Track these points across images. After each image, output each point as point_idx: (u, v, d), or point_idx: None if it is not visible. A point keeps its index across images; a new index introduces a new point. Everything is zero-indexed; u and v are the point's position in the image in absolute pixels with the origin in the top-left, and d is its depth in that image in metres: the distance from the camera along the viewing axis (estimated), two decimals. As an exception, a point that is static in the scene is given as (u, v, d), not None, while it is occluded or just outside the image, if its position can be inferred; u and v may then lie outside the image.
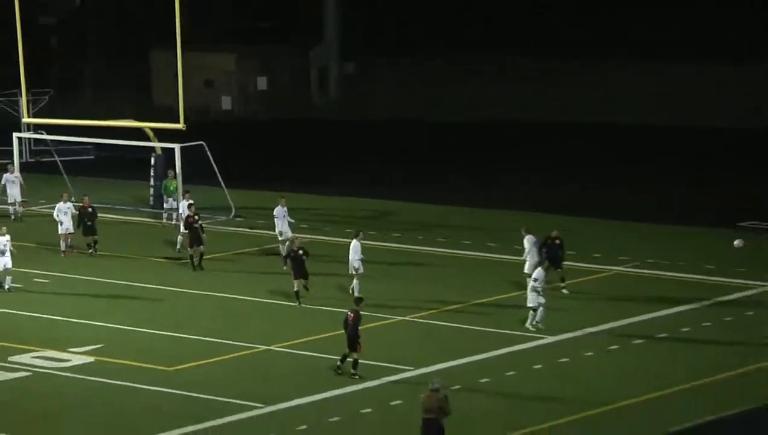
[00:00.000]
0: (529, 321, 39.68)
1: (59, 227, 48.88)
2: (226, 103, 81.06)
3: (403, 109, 79.70)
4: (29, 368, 37.20)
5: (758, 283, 44.37)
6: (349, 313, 36.24)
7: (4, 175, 54.84)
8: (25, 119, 58.69)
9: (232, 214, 54.02)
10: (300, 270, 42.57)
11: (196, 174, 53.91)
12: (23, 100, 58.39)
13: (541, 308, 39.56)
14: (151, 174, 55.49)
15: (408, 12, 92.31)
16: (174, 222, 52.26)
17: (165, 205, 53.65)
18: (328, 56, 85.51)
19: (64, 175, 56.85)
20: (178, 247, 48.86)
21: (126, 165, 56.59)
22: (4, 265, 44.22)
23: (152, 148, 55.52)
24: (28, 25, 58.03)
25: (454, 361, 37.21)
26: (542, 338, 39.00)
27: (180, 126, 53.19)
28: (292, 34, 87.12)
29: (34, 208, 55.66)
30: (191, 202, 48.62)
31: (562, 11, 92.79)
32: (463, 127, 75.85)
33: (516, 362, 37.25)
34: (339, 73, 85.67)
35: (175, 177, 53.35)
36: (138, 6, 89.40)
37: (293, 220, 47.98)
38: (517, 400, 34.34)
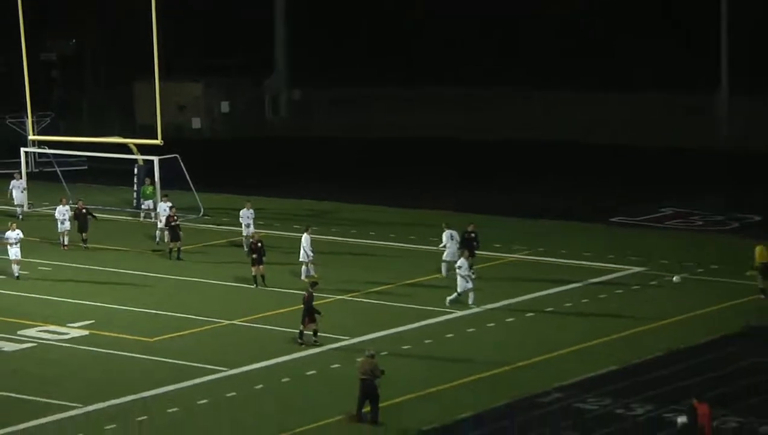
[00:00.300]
0: (449, 298, 39.54)
1: (59, 226, 48.55)
2: (196, 123, 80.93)
3: (337, 128, 79.90)
4: (35, 340, 37.10)
5: (624, 267, 44.68)
6: (305, 293, 36.19)
7: (12, 182, 54.52)
8: (31, 137, 58.37)
9: (201, 213, 53.85)
10: (259, 259, 42.57)
11: (171, 181, 53.72)
12: (29, 121, 58.10)
13: (471, 292, 39.52)
14: (135, 181, 55.32)
15: (343, 49, 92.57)
16: (152, 220, 52.06)
17: (143, 207, 53.51)
18: (278, 85, 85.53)
19: (63, 182, 56.56)
20: (157, 240, 48.71)
21: (114, 174, 56.27)
22: (15, 255, 43.93)
23: (135, 160, 55.32)
24: (33, 60, 57.78)
25: (382, 331, 37.35)
26: (453, 313, 39.10)
27: (158, 142, 52.93)
28: (249, 68, 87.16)
29: (38, 209, 55.30)
30: (171, 204, 48.50)
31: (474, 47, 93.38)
32: (387, 142, 75.83)
33: (432, 333, 37.40)
34: (287, 99, 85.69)
35: (152, 183, 53.05)
36: (123, 44, 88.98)
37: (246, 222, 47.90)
38: (434, 363, 34.52)
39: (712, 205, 54.27)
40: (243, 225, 47.58)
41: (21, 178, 55.10)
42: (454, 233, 43.39)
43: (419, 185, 61.33)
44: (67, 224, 48.60)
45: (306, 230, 43.86)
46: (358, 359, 30.98)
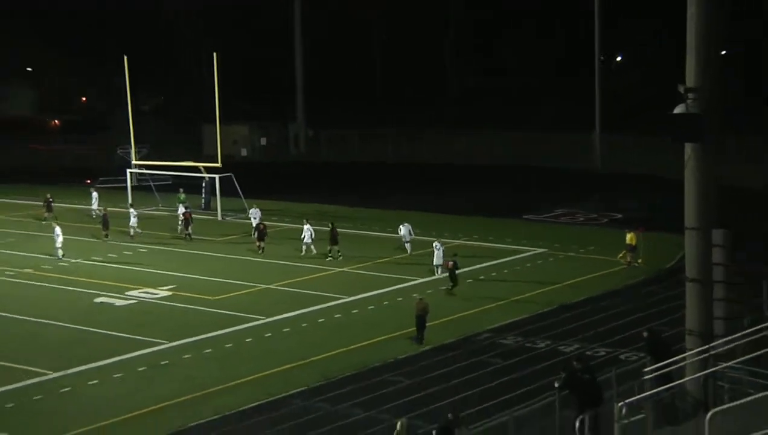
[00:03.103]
0: (437, 269, 39.38)
1: (131, 220, 47.77)
2: (244, 152, 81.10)
3: (337, 156, 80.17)
4: (136, 298, 37.01)
5: (532, 248, 44.61)
6: (449, 262, 37.16)
7: (92, 194, 53.66)
8: (134, 162, 58.25)
9: (247, 212, 53.55)
10: (261, 237, 43.59)
11: (227, 192, 53.62)
12: (132, 151, 57.95)
13: (438, 267, 39.33)
14: (203, 192, 55.13)
15: (341, 103, 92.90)
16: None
17: (179, 209, 51.81)
18: (298, 127, 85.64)
19: (155, 193, 56.39)
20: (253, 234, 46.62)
21: (188, 186, 56.03)
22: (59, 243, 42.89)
23: (203, 177, 55.15)
24: (136, 111, 57.69)
25: (369, 292, 37.26)
26: (416, 280, 39.08)
27: (218, 165, 52.83)
28: (279, 115, 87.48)
29: (140, 210, 54.99)
30: (189, 205, 49.86)
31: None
32: (372, 165, 76.10)
33: (402, 293, 37.26)
34: (304, 137, 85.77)
35: (184, 192, 52.77)
36: (194, 100, 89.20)
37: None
38: (405, 313, 34.25)
39: (589, 208, 54.43)
40: (252, 218, 47.51)
41: (96, 191, 54.11)
42: (409, 228, 43.45)
43: (396, 194, 61.33)
44: (133, 220, 47.68)
45: (307, 222, 43.84)
46: (415, 302, 31.84)
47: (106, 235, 47.07)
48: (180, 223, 48.12)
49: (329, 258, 42.17)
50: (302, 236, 43.40)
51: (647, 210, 52.43)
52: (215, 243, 46.98)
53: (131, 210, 48.43)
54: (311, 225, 43.75)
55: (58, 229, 43.27)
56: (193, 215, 48.27)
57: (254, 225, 46.75)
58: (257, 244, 43.79)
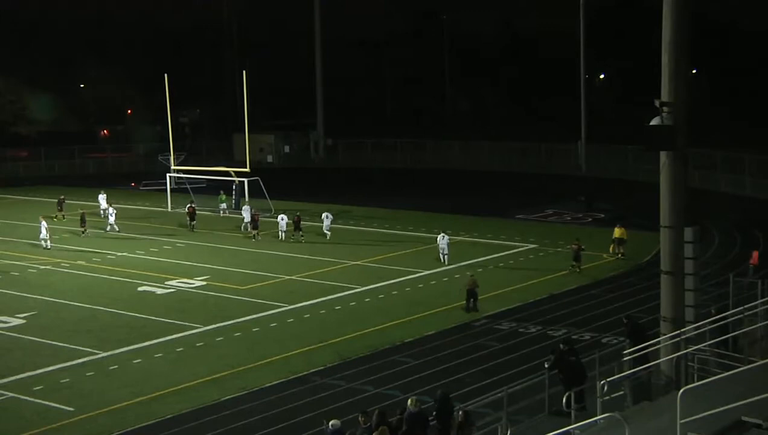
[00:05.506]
0: (442, 260, 39.73)
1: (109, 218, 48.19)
2: (270, 159, 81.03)
3: (353, 162, 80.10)
4: (175, 287, 37.05)
5: (524, 244, 44.52)
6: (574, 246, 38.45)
7: (99, 196, 52.82)
8: (173, 167, 58.30)
9: (272, 212, 53.51)
10: (255, 226, 45.23)
11: (254, 193, 53.64)
12: (172, 158, 57.97)
13: (445, 256, 39.76)
14: (233, 193, 55.13)
15: (357, 114, 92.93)
16: (222, 214, 52.81)
17: (221, 207, 53.73)
18: (318, 136, 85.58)
19: (191, 194, 56.35)
20: (242, 229, 48.36)
21: (221, 188, 56.14)
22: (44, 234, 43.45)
23: (233, 181, 55.18)
24: (174, 123, 57.84)
25: (379, 283, 37.24)
26: (421, 272, 39.04)
27: (247, 170, 52.91)
28: (300, 125, 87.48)
29: (177, 209, 55.16)
30: (195, 203, 49.80)
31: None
32: (383, 170, 76.03)
33: (409, 284, 37.23)
34: (323, 145, 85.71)
35: (224, 193, 53.65)
36: (226, 112, 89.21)
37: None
38: (410, 301, 34.45)
39: (576, 208, 54.29)
40: (244, 214, 48.23)
41: (104, 193, 53.77)
42: (329, 214, 45.74)
43: (404, 196, 61.16)
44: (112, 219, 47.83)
45: (282, 214, 46.06)
46: (467, 278, 33.48)
47: (84, 231, 47.14)
48: (187, 217, 48.61)
49: (299, 240, 44.28)
50: (279, 225, 45.27)
51: (623, 209, 52.38)
52: (243, 239, 47.03)
53: (110, 208, 48.50)
54: (287, 215, 45.97)
55: (44, 223, 43.85)
56: (196, 211, 48.92)
57: (246, 220, 47.58)
58: (252, 232, 45.07)
